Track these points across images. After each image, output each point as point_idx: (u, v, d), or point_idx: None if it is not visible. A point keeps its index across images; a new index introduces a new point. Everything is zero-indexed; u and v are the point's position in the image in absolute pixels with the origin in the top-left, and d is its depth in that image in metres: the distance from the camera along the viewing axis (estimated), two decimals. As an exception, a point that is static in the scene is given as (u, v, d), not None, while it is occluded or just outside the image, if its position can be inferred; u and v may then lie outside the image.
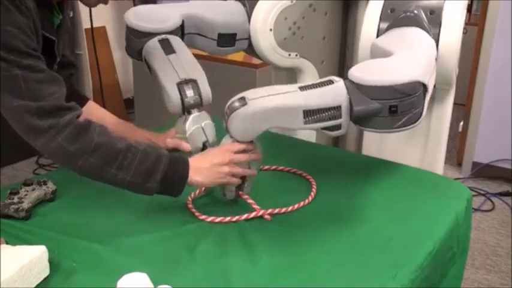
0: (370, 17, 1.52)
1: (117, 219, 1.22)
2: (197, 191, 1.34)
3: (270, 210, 1.25)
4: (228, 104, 1.17)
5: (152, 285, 0.93)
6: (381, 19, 1.50)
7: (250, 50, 1.70)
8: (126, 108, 3.85)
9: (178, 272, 1.03)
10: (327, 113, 1.15)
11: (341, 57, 1.92)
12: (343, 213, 1.28)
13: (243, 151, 1.23)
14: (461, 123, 3.35)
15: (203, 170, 1.21)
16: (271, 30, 1.64)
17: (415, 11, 1.46)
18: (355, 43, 1.81)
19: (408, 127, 1.20)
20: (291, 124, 1.17)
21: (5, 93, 1.06)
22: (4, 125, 1.16)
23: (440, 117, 1.65)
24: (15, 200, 1.20)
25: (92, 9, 1.35)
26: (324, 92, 1.16)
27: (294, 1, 1.64)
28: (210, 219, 1.23)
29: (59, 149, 1.10)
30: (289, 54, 1.72)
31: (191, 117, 1.33)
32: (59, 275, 1.01)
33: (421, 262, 1.10)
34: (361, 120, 1.19)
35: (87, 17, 2.37)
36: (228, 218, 1.23)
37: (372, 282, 1.02)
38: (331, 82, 1.18)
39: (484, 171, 3.16)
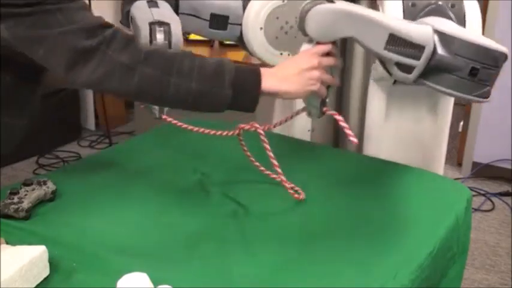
0: (392, 15, 1.49)
1: (117, 219, 1.22)
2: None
3: None
4: (305, 3, 1.13)
5: (152, 285, 0.93)
6: (405, 14, 1.45)
7: (246, 47, 1.70)
8: (126, 108, 3.84)
9: (178, 272, 1.02)
10: (409, 49, 1.13)
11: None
12: (342, 213, 1.28)
13: (328, 54, 1.14)
14: (461, 123, 3.34)
15: (291, 77, 1.09)
16: (261, 29, 1.63)
17: (440, 2, 1.45)
18: (355, 43, 1.80)
19: (482, 100, 1.18)
20: (371, 43, 1.13)
21: (44, 28, 1.00)
22: (4, 124, 1.16)
23: (440, 117, 1.65)
24: (15, 200, 1.20)
25: (92, 9, 1.35)
26: (413, 27, 1.14)
27: (285, 1, 1.64)
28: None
29: (113, 64, 1.02)
30: (281, 53, 1.71)
31: None
32: (59, 275, 1.01)
33: (421, 262, 1.10)
34: (437, 74, 1.16)
35: (87, 17, 2.36)
36: None
37: (372, 282, 1.02)
38: (420, 23, 1.17)
39: (484, 171, 3.16)
